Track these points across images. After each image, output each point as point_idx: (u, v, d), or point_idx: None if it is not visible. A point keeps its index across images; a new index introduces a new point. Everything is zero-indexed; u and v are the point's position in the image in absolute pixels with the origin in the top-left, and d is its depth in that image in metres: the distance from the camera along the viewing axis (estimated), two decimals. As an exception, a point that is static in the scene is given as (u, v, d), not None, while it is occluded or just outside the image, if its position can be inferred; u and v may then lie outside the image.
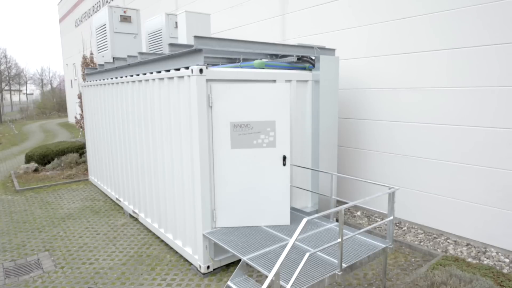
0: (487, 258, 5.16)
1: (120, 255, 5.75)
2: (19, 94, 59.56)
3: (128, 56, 6.73)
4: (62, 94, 40.69)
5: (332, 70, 6.00)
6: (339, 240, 3.60)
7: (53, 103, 39.38)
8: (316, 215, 3.39)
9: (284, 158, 5.10)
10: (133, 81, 6.51)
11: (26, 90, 59.93)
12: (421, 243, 5.73)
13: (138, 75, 6.30)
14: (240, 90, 4.89)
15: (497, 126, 5.23)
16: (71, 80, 27.71)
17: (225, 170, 5.02)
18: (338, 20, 7.20)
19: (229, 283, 4.00)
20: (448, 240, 5.76)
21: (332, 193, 5.26)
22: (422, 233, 6.06)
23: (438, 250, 5.50)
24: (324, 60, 5.83)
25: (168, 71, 5.28)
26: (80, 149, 12.29)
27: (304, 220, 3.25)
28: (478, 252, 5.34)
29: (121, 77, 7.04)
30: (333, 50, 6.20)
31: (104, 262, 5.55)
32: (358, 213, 7.06)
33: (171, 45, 5.19)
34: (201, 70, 4.61)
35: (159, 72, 5.53)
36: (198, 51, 4.66)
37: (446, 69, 5.72)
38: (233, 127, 4.96)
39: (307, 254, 3.34)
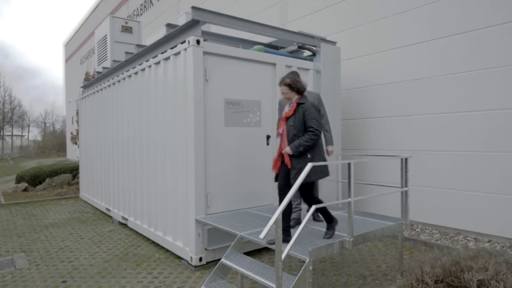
0: (514, 252, 4.59)
1: (103, 255, 5.16)
2: (21, 139, 59.46)
3: (126, 52, 6.60)
4: (63, 135, 40.65)
5: (334, 60, 5.83)
6: (350, 199, 3.15)
7: (53, 143, 39.22)
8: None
9: (268, 137, 5.12)
10: (129, 76, 6.31)
11: (28, 134, 59.91)
12: (438, 241, 5.17)
13: (134, 67, 6.12)
14: (234, 67, 4.83)
15: None
16: (72, 117, 27.81)
17: (219, 149, 4.68)
18: (337, 23, 7.19)
19: (223, 260, 3.46)
20: (467, 238, 5.20)
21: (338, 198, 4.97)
22: (437, 233, 5.50)
23: (458, 246, 4.93)
24: (325, 48, 5.68)
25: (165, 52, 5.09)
26: (74, 170, 11.85)
27: (313, 208, 2.83)
28: (503, 247, 4.77)
29: (117, 76, 6.87)
30: (334, 42, 6.07)
31: (85, 260, 4.96)
32: (366, 219, 6.50)
33: (168, 25, 5.06)
34: (198, 41, 4.41)
35: (155, 57, 5.35)
36: (195, 22, 4.49)
37: (451, 54, 5.54)
38: (227, 104, 4.77)
39: (313, 207, 2.88)
